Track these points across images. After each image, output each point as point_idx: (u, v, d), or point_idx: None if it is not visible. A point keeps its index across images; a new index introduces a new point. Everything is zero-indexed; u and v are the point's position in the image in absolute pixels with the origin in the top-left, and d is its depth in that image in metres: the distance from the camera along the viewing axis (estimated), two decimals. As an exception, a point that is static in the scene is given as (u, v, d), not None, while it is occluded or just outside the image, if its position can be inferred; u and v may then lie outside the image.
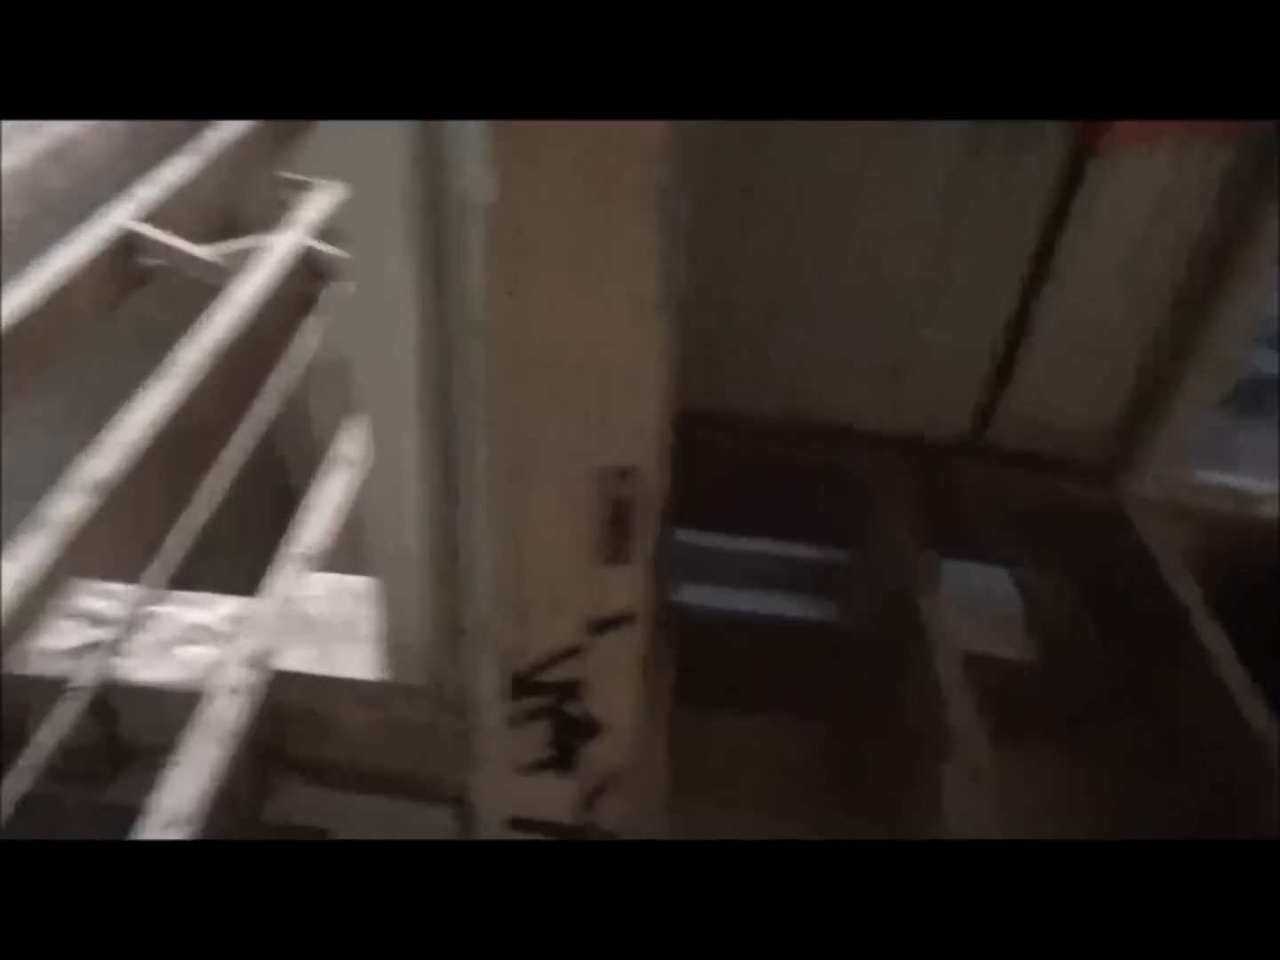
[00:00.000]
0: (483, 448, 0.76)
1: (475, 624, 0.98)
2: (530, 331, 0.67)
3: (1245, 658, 2.08)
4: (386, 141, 0.96)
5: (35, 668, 1.52)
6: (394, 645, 1.45)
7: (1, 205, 2.65)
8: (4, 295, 2.21)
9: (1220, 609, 2.22)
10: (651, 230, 0.66)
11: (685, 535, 2.36)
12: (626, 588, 0.84)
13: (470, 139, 0.63)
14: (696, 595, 2.73)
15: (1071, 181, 1.82)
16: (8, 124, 3.02)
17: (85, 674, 1.50)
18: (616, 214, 0.64)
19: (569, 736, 0.86)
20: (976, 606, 3.26)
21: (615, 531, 0.78)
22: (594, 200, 0.62)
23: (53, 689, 1.50)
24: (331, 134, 0.90)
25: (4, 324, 2.12)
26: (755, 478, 2.12)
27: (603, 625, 0.85)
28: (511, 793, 0.94)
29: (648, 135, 0.60)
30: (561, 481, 0.75)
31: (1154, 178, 1.98)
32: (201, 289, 2.81)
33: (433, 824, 1.67)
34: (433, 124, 0.90)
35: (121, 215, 2.68)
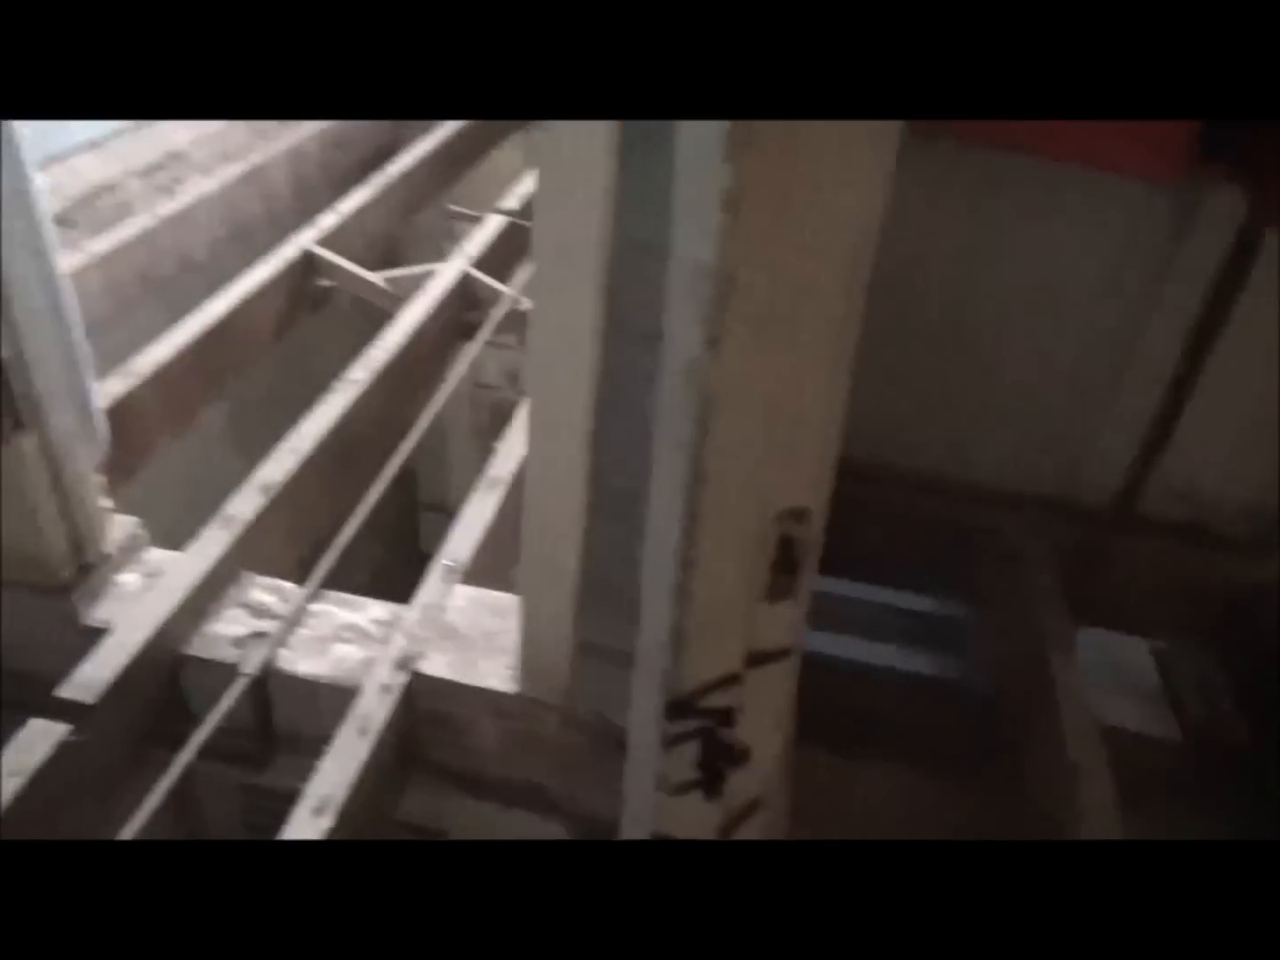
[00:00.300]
0: (670, 484, 0.81)
1: (636, 647, 1.03)
2: (730, 379, 0.72)
3: None
4: (582, 186, 1.03)
5: (206, 651, 1.66)
6: (533, 660, 1.51)
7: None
8: (201, 310, 2.42)
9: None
10: (850, 294, 0.70)
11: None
12: (787, 623, 0.88)
13: (693, 203, 0.69)
14: (819, 641, 2.72)
15: (1245, 250, 1.77)
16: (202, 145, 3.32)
17: (249, 662, 1.62)
18: (823, 277, 0.68)
19: (717, 761, 0.89)
20: (1112, 676, 3.13)
21: (783, 569, 0.82)
22: (804, 262, 0.67)
23: (220, 673, 1.63)
24: (536, 177, 0.98)
25: (198, 335, 2.33)
26: (893, 528, 2.12)
27: (762, 658, 0.88)
28: (657, 811, 0.98)
29: (859, 211, 0.64)
30: (743, 520, 0.80)
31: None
32: (368, 310, 3.01)
33: (549, 836, 1.72)
34: (631, 176, 0.96)
35: (303, 240, 2.91)
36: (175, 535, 1.93)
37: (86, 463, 1.61)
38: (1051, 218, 1.95)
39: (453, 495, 6.46)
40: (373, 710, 1.53)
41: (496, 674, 1.60)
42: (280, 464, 1.97)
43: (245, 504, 1.86)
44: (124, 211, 2.96)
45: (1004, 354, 2.15)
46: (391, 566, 6.16)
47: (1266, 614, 2.35)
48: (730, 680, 0.87)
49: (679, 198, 0.78)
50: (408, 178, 3.56)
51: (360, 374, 2.33)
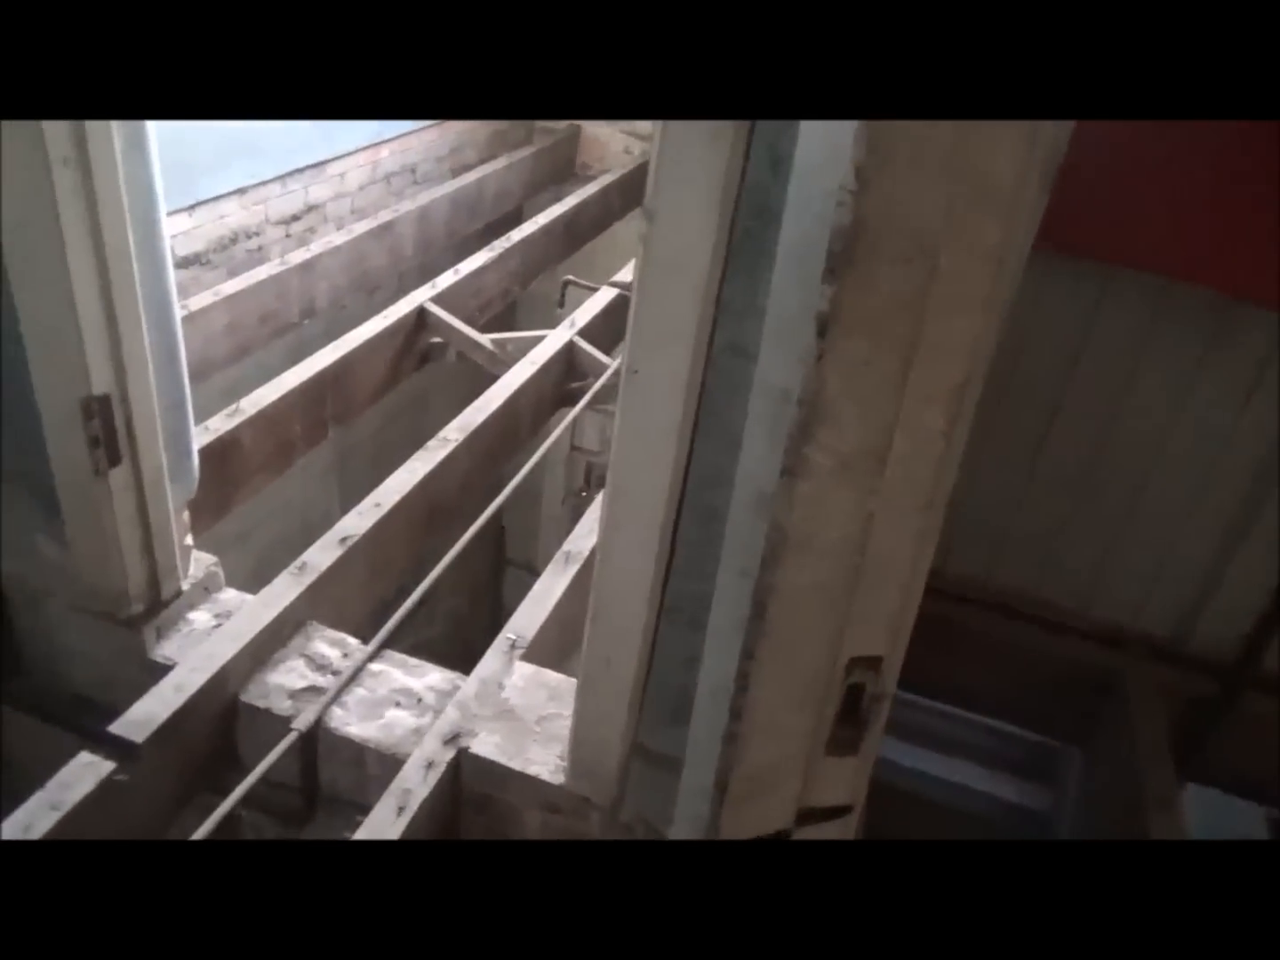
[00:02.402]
0: (729, 616, 0.75)
1: (681, 780, 0.95)
2: (806, 513, 0.66)
3: None
4: (681, 283, 0.99)
5: (262, 701, 1.64)
6: (583, 756, 1.44)
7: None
8: (313, 357, 2.49)
9: None
10: (950, 432, 0.63)
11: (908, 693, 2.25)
12: (848, 780, 0.79)
13: (784, 322, 0.64)
14: (902, 753, 2.57)
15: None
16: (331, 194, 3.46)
17: (302, 717, 1.60)
18: (921, 412, 0.62)
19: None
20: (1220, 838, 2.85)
21: (849, 722, 0.74)
22: (900, 395, 0.61)
23: (272, 724, 1.61)
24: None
25: (306, 381, 2.38)
26: (993, 652, 1.99)
27: (816, 815, 0.79)
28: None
29: (966, 341, 0.58)
30: (807, 666, 0.72)
31: None
32: (475, 369, 3.05)
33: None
34: (734, 279, 0.92)
35: (420, 296, 2.98)
36: (264, 572, 1.95)
37: (175, 501, 1.63)
38: (1211, 349, 1.84)
39: (539, 555, 6.50)
40: (414, 787, 1.48)
41: (546, 763, 1.54)
42: (362, 517, 1.98)
43: (322, 554, 1.87)
44: (260, 256, 3.10)
45: (1144, 492, 2.03)
46: (472, 619, 6.21)
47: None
48: (778, 835, 0.79)
49: (771, 314, 0.73)
50: (527, 244, 3.64)
51: (454, 434, 2.34)
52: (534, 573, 7.17)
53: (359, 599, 2.01)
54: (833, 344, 0.60)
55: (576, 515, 7.15)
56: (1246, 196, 1.45)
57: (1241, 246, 1.49)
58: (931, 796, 2.65)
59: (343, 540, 1.91)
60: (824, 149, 0.64)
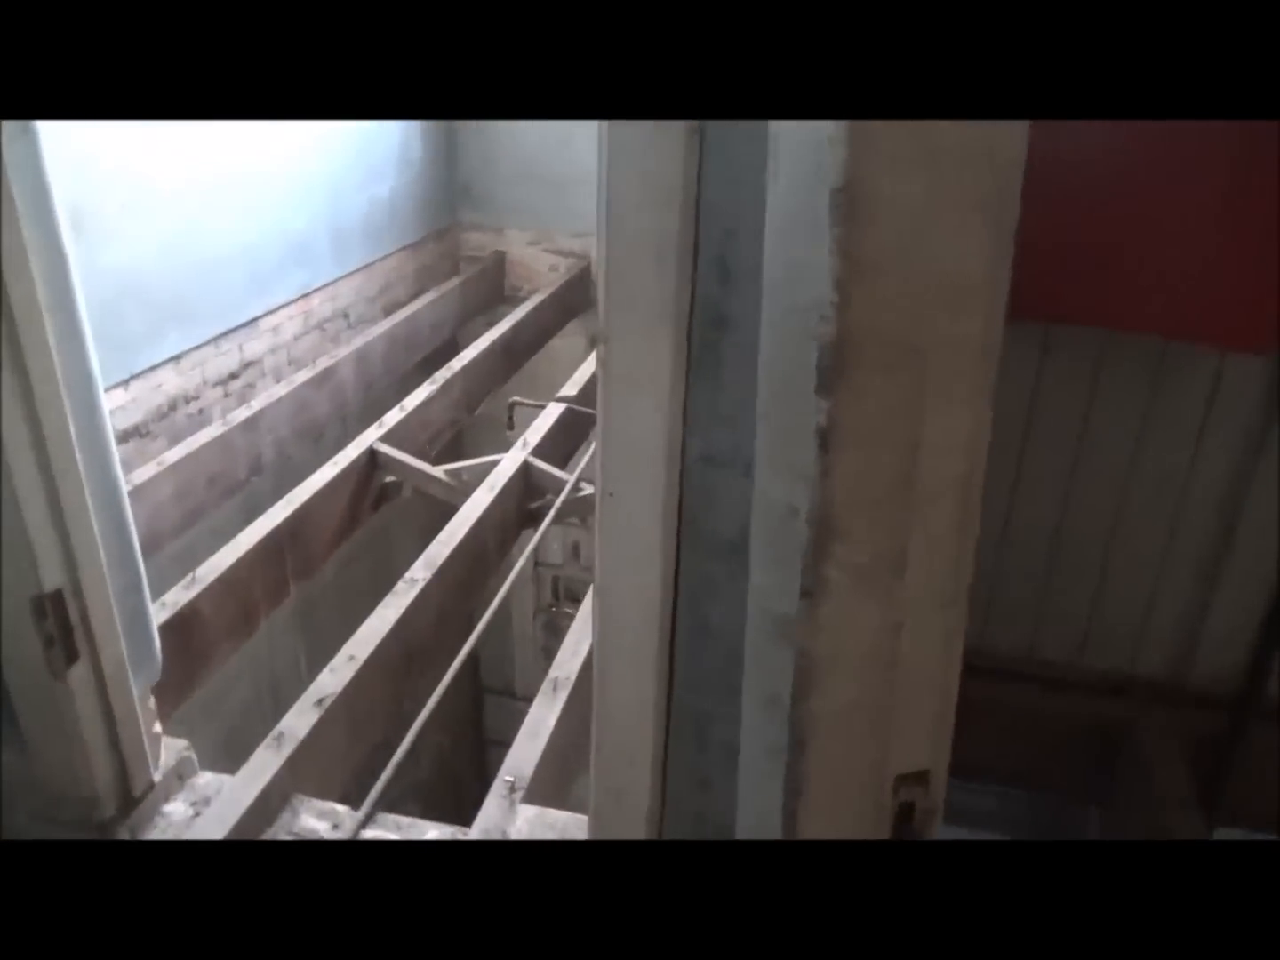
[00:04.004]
0: (761, 748, 0.71)
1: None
2: (831, 634, 0.63)
3: None
4: (647, 399, 0.98)
5: (254, 888, 1.53)
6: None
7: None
8: (271, 510, 2.43)
9: None
10: (964, 527, 0.61)
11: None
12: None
13: (782, 440, 0.62)
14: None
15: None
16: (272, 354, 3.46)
17: (299, 900, 1.49)
18: (931, 513, 0.60)
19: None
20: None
21: (899, 839, 0.70)
22: (909, 499, 0.59)
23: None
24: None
25: (262, 539, 2.32)
26: (1003, 723, 1.95)
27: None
28: None
29: (966, 434, 0.57)
30: (853, 791, 0.68)
31: None
32: (434, 505, 3.02)
33: None
34: (698, 391, 0.91)
35: (368, 438, 2.96)
36: (237, 740, 1.85)
37: (139, 689, 1.55)
38: (1157, 395, 1.89)
39: (517, 677, 6.34)
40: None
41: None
42: (336, 674, 1.90)
43: (299, 719, 1.78)
44: (201, 419, 3.07)
45: (1116, 540, 2.05)
46: (456, 754, 5.99)
47: None
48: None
49: (762, 431, 0.71)
50: (468, 371, 3.66)
51: (422, 572, 2.28)
52: (513, 696, 6.95)
53: (343, 760, 1.92)
54: (835, 458, 0.59)
55: (549, 631, 6.99)
56: (1176, 239, 1.51)
57: (1176, 290, 1.54)
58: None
59: (319, 701, 1.83)
60: (783, 263, 0.64)
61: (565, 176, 4.75)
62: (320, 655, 2.06)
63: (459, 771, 5.82)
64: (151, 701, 1.63)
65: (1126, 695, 2.16)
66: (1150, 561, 2.06)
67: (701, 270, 0.91)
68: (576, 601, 6.08)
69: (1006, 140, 0.55)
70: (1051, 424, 1.96)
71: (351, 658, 1.95)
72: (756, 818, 0.78)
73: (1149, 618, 2.12)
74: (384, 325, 3.88)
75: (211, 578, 2.14)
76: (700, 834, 1.12)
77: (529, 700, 1.93)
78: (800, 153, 0.59)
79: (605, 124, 0.82)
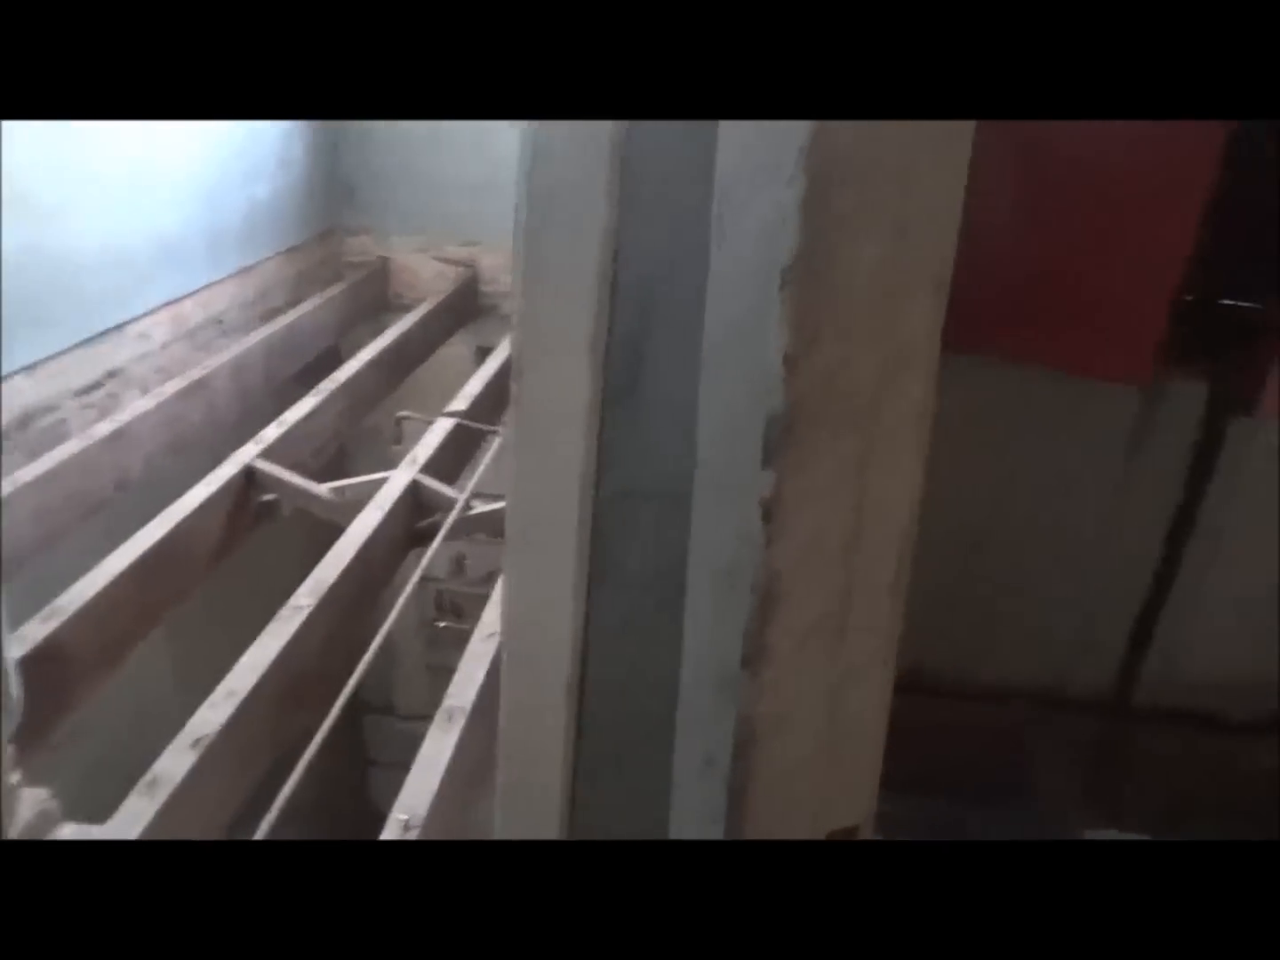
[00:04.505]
0: (698, 811, 0.69)
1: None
2: (773, 698, 0.62)
3: None
4: (561, 436, 0.96)
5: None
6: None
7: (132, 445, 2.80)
8: (139, 534, 2.28)
9: None
10: (896, 587, 0.61)
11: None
12: None
13: (724, 508, 0.61)
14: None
15: (1212, 440, 1.78)
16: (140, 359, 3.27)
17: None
18: (871, 573, 0.60)
19: None
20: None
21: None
22: (849, 562, 0.59)
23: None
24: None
25: (131, 564, 2.17)
26: (902, 736, 2.00)
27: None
28: None
29: (902, 495, 0.57)
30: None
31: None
32: (316, 523, 2.89)
33: None
34: (614, 427, 0.89)
35: (245, 454, 2.81)
36: (101, 780, 1.72)
37: (-7, 737, 1.42)
38: (1041, 418, 1.98)
39: (398, 695, 6.16)
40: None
41: None
42: (215, 710, 1.79)
43: (175, 761, 1.67)
44: (61, 433, 2.85)
45: (1005, 559, 2.14)
46: (337, 777, 5.77)
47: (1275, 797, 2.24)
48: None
49: (703, 497, 0.70)
50: (353, 383, 3.54)
51: (307, 598, 2.18)
52: (396, 715, 6.74)
53: (224, 804, 1.81)
54: (779, 525, 0.58)
55: (433, 645, 6.81)
56: (1058, 276, 1.58)
57: (1057, 324, 1.62)
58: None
59: (196, 742, 1.72)
60: (727, 328, 0.63)
61: (454, 182, 4.65)
62: (194, 687, 1.94)
63: (338, 797, 5.61)
64: (10, 749, 1.50)
65: (1012, 704, 2.25)
66: (1037, 577, 2.16)
67: (621, 308, 0.89)
68: (459, 616, 5.97)
69: (956, 204, 0.55)
70: (947, 446, 2.02)
71: (231, 693, 1.84)
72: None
73: (1034, 630, 2.22)
74: (262, 333, 3.71)
75: (74, 608, 1.99)
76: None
77: (411, 718, 1.87)
78: (749, 219, 0.58)
79: (528, 160, 0.79)
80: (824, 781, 0.66)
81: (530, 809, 1.14)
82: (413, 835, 1.64)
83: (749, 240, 0.57)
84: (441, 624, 6.09)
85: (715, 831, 0.67)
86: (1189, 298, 1.73)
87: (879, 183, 0.52)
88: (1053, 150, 1.52)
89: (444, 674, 2.22)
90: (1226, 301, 1.73)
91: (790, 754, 0.65)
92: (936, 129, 0.58)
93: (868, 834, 0.72)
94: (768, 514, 0.58)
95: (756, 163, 0.55)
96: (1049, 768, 2.05)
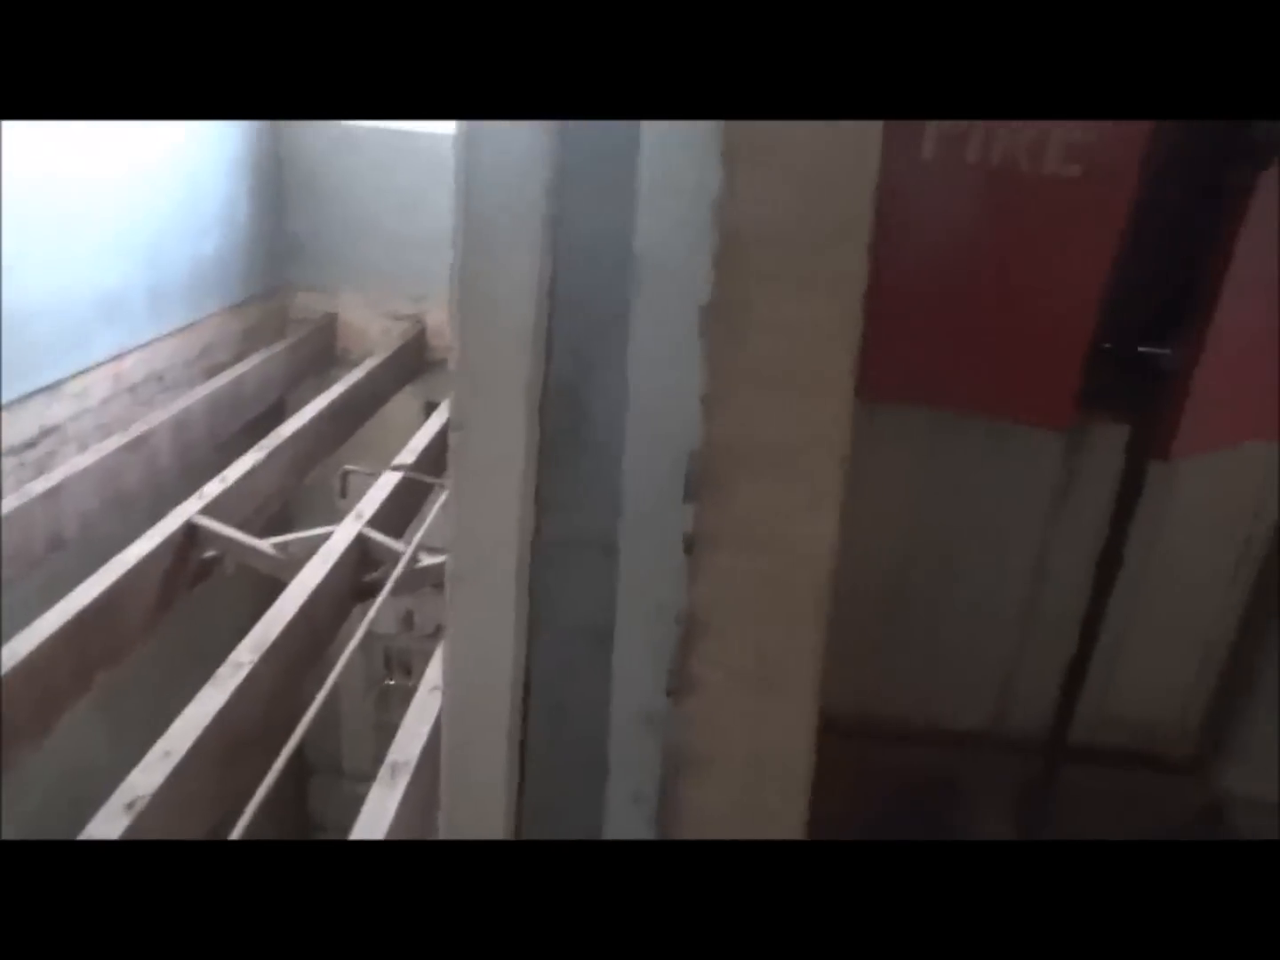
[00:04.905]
0: (632, 835, 0.70)
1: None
2: (702, 731, 0.64)
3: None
4: (499, 485, 0.98)
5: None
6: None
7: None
8: (75, 592, 2.23)
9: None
10: (817, 619, 0.64)
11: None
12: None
13: (650, 546, 0.63)
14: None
15: (1132, 482, 1.86)
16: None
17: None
18: (792, 607, 0.63)
19: None
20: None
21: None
22: (772, 596, 0.61)
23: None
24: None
25: (65, 624, 2.12)
26: (845, 781, 2.02)
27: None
28: None
29: (821, 535, 0.60)
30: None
31: (1216, 476, 2.03)
32: (260, 580, 2.85)
33: None
34: (552, 474, 0.91)
35: (187, 510, 2.77)
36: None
37: (-87, 804, 1.37)
38: (974, 463, 2.05)
39: (346, 755, 6.00)
40: None
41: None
42: (149, 773, 1.74)
43: (106, 826, 1.62)
44: (-10, 491, 2.78)
45: (942, 603, 2.20)
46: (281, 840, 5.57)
47: (1212, 831, 2.30)
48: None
49: (630, 535, 0.72)
50: (298, 438, 3.51)
51: (248, 655, 2.14)
52: (343, 775, 6.54)
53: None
54: (703, 560, 0.60)
55: (380, 705, 6.65)
56: (976, 322, 1.65)
57: (978, 369, 1.69)
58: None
59: (129, 806, 1.67)
60: (650, 374, 0.66)
61: (402, 238, 4.69)
62: (129, 750, 1.88)
63: (283, 862, 5.41)
64: (-72, 818, 1.44)
65: (953, 746, 2.29)
66: (971, 620, 2.21)
67: (557, 357, 0.92)
68: (408, 673, 5.86)
69: (863, 260, 0.59)
70: (879, 493, 2.08)
71: (167, 753, 1.79)
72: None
73: (971, 672, 2.27)
74: (205, 388, 3.68)
75: (6, 667, 1.93)
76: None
77: (358, 779, 1.84)
78: (669, 269, 0.61)
79: (460, 215, 0.82)
80: (751, 815, 0.68)
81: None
82: (356, 895, 1.61)
83: (667, 291, 0.61)
84: (390, 681, 5.98)
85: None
86: (1107, 345, 1.83)
87: (789, 241, 0.56)
88: (966, 201, 1.61)
89: (393, 733, 2.19)
90: (1142, 349, 1.83)
91: (716, 785, 0.67)
92: (845, 187, 0.62)
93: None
94: (691, 549, 0.60)
95: (675, 218, 0.59)
96: (984, 808, 2.08)
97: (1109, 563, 1.96)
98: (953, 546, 2.13)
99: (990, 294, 1.66)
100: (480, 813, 1.14)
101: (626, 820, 0.72)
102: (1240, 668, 2.22)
